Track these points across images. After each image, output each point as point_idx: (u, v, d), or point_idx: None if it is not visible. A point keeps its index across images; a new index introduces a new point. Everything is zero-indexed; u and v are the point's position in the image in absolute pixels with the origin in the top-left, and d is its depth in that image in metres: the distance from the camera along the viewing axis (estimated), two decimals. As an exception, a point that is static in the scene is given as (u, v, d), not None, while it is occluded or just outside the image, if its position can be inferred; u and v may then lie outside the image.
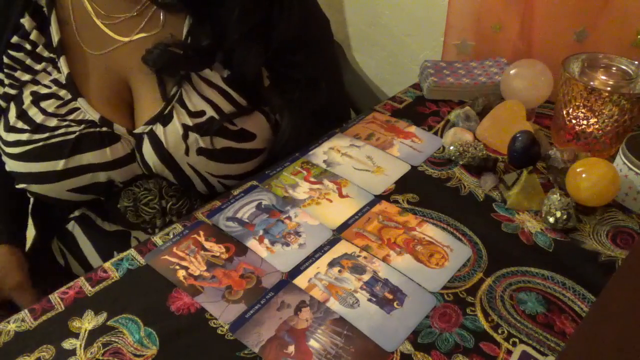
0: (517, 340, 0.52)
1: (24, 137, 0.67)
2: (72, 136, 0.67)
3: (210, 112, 0.68)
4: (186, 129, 0.67)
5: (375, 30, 1.33)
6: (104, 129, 0.68)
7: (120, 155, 0.69)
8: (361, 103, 1.19)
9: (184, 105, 0.68)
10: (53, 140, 0.67)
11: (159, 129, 0.68)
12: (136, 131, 0.69)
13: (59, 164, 0.67)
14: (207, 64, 0.69)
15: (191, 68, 0.69)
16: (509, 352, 0.51)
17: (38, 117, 0.67)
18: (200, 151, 0.68)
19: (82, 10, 0.70)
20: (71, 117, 0.67)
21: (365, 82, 1.39)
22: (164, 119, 0.68)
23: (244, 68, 0.70)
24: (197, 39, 0.69)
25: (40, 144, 0.67)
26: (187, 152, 0.68)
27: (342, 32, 1.41)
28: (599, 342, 0.50)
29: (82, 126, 0.67)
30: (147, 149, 0.69)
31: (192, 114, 0.68)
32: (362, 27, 1.36)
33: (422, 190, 0.70)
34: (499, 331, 0.53)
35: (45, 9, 0.69)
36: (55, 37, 0.69)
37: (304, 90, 0.75)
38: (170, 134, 0.68)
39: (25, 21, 0.69)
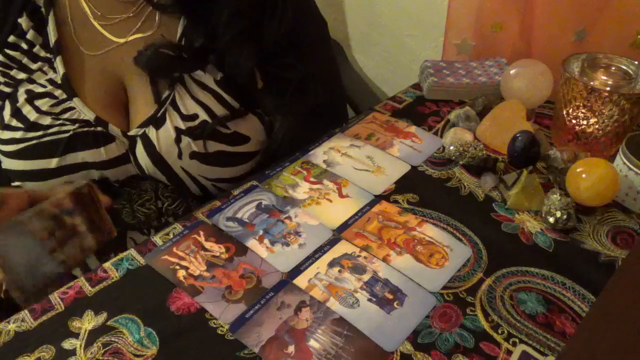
0: (517, 340, 0.52)
1: (18, 135, 0.67)
2: (66, 135, 0.67)
3: (203, 116, 0.68)
4: (179, 132, 0.67)
5: (375, 30, 1.33)
6: (99, 128, 0.68)
7: (115, 155, 0.69)
8: (361, 103, 1.19)
9: (177, 108, 0.68)
10: (46, 138, 0.67)
11: (151, 132, 0.68)
12: (130, 133, 0.69)
13: (52, 162, 0.67)
14: (200, 66, 0.69)
15: (184, 70, 0.69)
16: (509, 352, 0.51)
17: (32, 115, 0.67)
18: (193, 155, 0.68)
19: (79, 10, 0.70)
20: (65, 116, 0.67)
21: (365, 82, 1.39)
22: (157, 121, 0.68)
23: (236, 70, 0.69)
24: (191, 40, 0.69)
25: (34, 142, 0.67)
26: (179, 155, 0.68)
27: (342, 32, 1.41)
28: (599, 342, 0.50)
29: (77, 125, 0.67)
30: (140, 151, 0.69)
31: (185, 118, 0.68)
32: (362, 27, 1.36)
33: (422, 190, 0.70)
34: (499, 331, 0.53)
35: (43, 9, 0.69)
36: (52, 37, 0.69)
37: (297, 91, 0.74)
38: (163, 137, 0.68)
39: (23, 21, 0.69)
